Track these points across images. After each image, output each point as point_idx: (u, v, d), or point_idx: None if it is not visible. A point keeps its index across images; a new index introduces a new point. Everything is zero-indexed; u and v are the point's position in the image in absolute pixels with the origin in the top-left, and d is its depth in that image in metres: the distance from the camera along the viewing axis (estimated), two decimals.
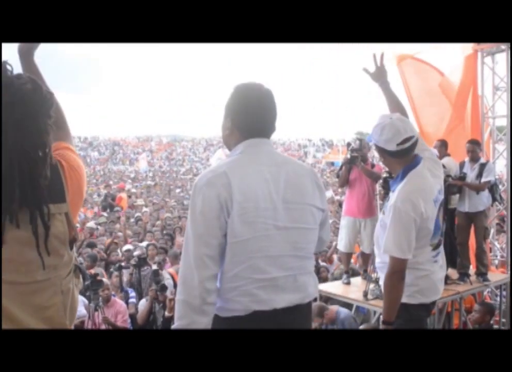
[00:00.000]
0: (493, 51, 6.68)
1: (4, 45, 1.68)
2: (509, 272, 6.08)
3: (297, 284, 1.91)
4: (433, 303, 2.93)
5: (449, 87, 6.78)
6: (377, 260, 2.91)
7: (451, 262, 5.13)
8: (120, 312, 5.63)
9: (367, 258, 5.56)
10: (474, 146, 5.71)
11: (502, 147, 7.03)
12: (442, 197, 2.82)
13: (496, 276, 5.97)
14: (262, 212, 1.81)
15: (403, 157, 2.73)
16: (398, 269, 2.60)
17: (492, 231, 6.89)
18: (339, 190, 17.43)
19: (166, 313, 5.31)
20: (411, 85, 6.72)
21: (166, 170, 41.46)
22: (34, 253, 1.45)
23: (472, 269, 5.74)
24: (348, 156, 5.63)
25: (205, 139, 59.70)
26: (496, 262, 7.16)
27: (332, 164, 40.07)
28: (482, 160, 5.76)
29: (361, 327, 4.19)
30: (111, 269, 6.85)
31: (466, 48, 6.63)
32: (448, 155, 5.90)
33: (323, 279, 6.47)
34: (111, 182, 25.19)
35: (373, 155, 10.51)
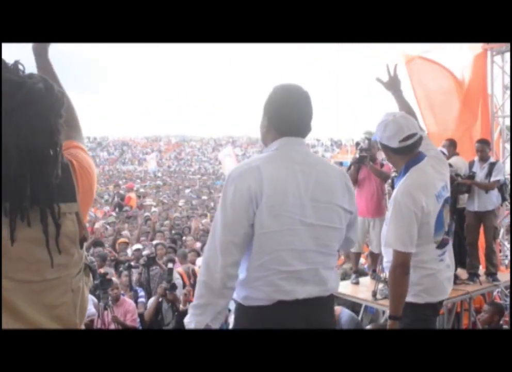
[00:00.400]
0: (502, 50, 6.63)
1: (19, 44, 1.69)
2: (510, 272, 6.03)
3: (318, 277, 1.98)
4: (441, 303, 2.91)
5: (458, 86, 6.74)
6: (385, 259, 2.91)
7: (460, 262, 5.11)
8: (129, 311, 5.66)
9: (376, 258, 5.54)
10: (484, 146, 5.68)
11: None
12: (446, 194, 2.82)
13: (506, 276, 5.91)
14: (290, 207, 1.90)
15: (406, 154, 2.76)
16: (400, 263, 2.61)
17: (502, 230, 6.85)
18: None
19: (181, 306, 5.33)
20: (419, 84, 6.69)
21: (175, 170, 41.57)
22: (45, 252, 1.46)
23: (481, 269, 5.70)
24: (357, 155, 5.62)
25: (214, 139, 59.78)
26: (506, 262, 7.11)
27: (341, 163, 39.88)
28: (492, 159, 5.73)
29: (368, 327, 4.19)
30: (121, 269, 6.89)
31: (475, 47, 6.59)
32: (457, 154, 5.87)
33: None
34: (120, 182, 25.27)
35: (382, 155, 10.46)
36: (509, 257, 7.03)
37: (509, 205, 6.58)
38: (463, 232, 5.67)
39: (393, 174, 4.37)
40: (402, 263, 2.61)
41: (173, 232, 10.42)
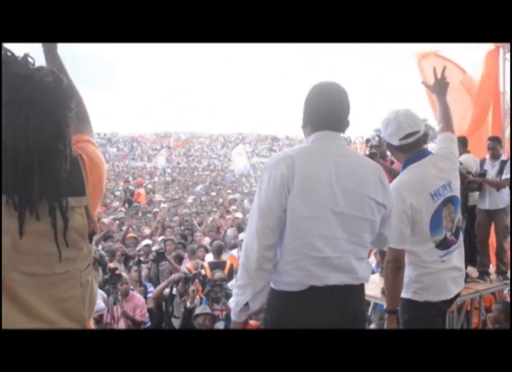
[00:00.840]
0: None
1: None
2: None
3: (348, 266, 2.03)
4: (444, 302, 2.86)
5: (471, 84, 6.67)
6: None
7: (470, 260, 5.07)
8: (138, 306, 5.69)
9: (384, 255, 5.51)
10: (495, 144, 5.63)
11: None
12: (448, 193, 2.78)
13: None
14: (321, 195, 1.97)
15: (408, 151, 2.77)
16: (392, 259, 2.67)
17: None
18: None
19: (188, 304, 5.34)
20: (432, 82, 6.62)
21: (184, 166, 41.61)
22: (53, 246, 1.46)
23: (492, 268, 5.66)
24: (367, 152, 5.58)
25: (223, 135, 59.70)
26: None
27: None
28: (503, 157, 5.67)
29: (371, 326, 4.18)
30: (130, 264, 6.92)
31: (487, 44, 6.52)
32: (468, 152, 5.82)
33: None
34: (130, 178, 25.35)
35: None
36: None
37: None
38: (474, 230, 5.64)
39: None
40: (393, 258, 2.67)
41: (182, 227, 10.44)
